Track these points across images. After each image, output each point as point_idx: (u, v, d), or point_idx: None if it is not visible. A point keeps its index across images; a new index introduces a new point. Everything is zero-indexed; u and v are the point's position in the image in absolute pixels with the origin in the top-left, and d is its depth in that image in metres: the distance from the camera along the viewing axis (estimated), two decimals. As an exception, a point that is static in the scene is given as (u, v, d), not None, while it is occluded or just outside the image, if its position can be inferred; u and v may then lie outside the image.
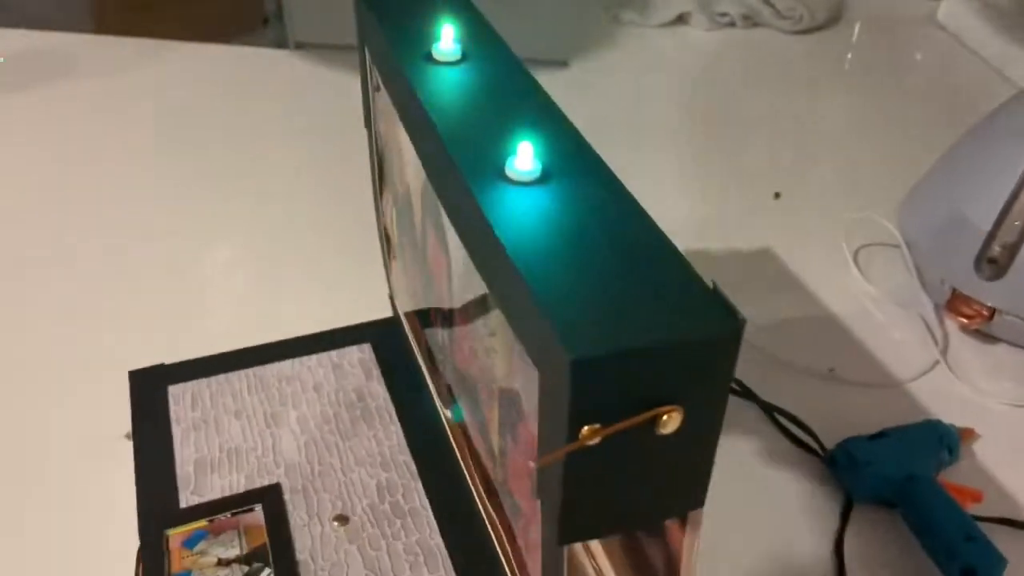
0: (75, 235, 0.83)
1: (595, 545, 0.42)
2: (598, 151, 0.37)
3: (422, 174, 0.44)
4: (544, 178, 0.36)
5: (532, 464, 0.35)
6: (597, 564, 0.43)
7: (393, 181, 0.55)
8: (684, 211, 0.89)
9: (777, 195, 0.91)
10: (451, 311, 0.48)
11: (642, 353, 0.28)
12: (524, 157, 0.36)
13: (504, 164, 0.36)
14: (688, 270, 0.31)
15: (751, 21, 1.24)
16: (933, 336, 0.74)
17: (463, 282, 0.43)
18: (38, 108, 1.03)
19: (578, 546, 0.39)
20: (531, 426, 0.33)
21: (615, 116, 1.05)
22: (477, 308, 0.41)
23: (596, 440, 0.29)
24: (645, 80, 1.14)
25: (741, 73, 1.16)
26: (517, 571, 0.46)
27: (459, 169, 0.36)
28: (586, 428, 0.28)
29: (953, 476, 0.61)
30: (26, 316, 0.73)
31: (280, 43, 1.20)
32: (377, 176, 0.59)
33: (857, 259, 0.83)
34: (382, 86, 0.50)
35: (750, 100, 1.10)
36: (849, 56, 1.22)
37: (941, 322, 0.75)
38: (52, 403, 0.65)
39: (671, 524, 0.36)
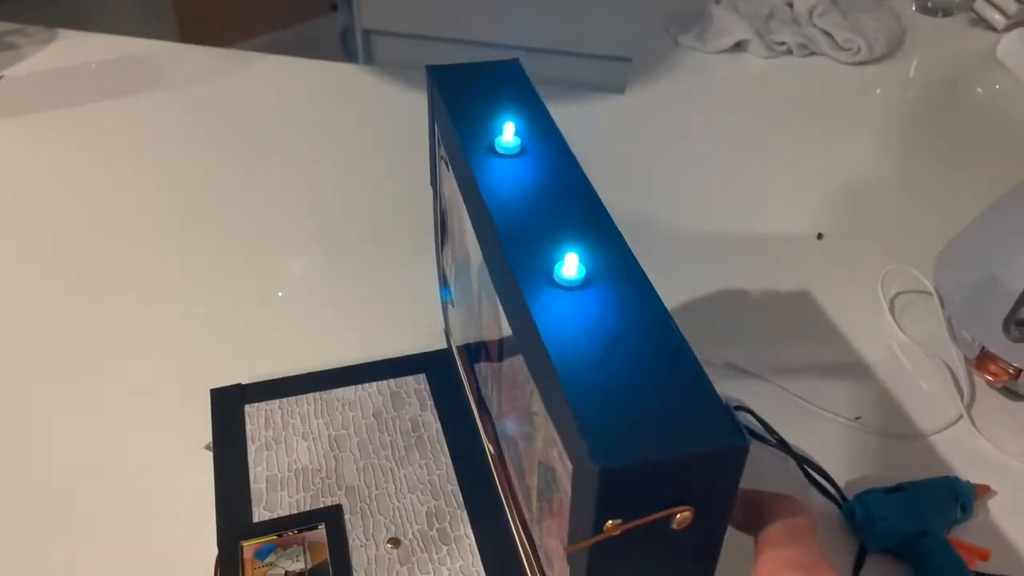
0: (160, 250, 0.90)
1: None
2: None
3: (480, 253, 0.49)
4: (587, 283, 0.41)
5: (563, 551, 0.40)
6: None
7: (454, 240, 0.61)
8: (731, 242, 0.93)
9: (820, 236, 0.94)
10: (499, 371, 0.53)
11: (659, 464, 0.33)
12: (570, 265, 0.41)
13: (552, 268, 0.41)
14: (706, 384, 0.36)
15: (808, 50, 1.26)
16: (960, 389, 0.77)
17: (512, 353, 0.48)
18: (124, 114, 1.10)
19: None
20: (564, 500, 0.39)
21: (669, 140, 1.08)
22: (523, 383, 0.46)
23: (617, 532, 0.34)
24: (700, 106, 1.17)
25: (794, 104, 1.18)
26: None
27: (512, 269, 0.41)
28: (610, 522, 0.34)
29: (965, 532, 0.65)
30: (112, 328, 0.81)
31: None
32: (440, 231, 0.65)
33: (893, 305, 0.86)
34: (448, 160, 0.56)
35: (801, 132, 1.12)
36: (907, 92, 1.23)
37: (969, 376, 0.78)
38: (138, 412, 0.72)
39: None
